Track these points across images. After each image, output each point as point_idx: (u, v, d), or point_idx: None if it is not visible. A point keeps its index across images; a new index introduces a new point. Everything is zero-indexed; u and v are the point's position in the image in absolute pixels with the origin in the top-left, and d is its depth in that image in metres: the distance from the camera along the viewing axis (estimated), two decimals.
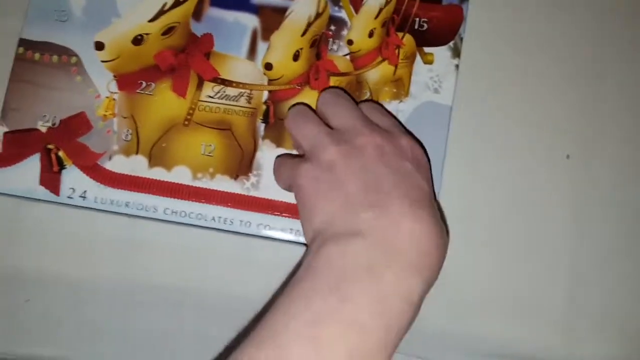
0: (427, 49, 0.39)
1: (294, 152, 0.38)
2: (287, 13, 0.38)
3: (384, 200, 0.29)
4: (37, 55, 0.37)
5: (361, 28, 0.39)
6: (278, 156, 0.37)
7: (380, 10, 0.39)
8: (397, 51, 0.39)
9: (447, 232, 0.32)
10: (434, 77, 0.39)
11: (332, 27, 0.39)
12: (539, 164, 0.41)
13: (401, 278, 0.28)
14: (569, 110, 0.41)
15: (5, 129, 0.37)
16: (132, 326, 0.38)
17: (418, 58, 0.39)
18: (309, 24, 0.38)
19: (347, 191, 0.30)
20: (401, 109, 0.39)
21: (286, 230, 0.37)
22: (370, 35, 0.39)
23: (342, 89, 0.38)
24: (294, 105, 0.37)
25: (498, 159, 0.40)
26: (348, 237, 0.29)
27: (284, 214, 0.37)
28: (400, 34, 0.39)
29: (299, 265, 0.30)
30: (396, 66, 0.39)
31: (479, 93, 0.41)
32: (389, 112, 0.37)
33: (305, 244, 0.37)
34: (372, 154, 0.31)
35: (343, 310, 0.27)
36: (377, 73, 0.39)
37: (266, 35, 0.38)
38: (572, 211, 0.40)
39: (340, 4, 0.39)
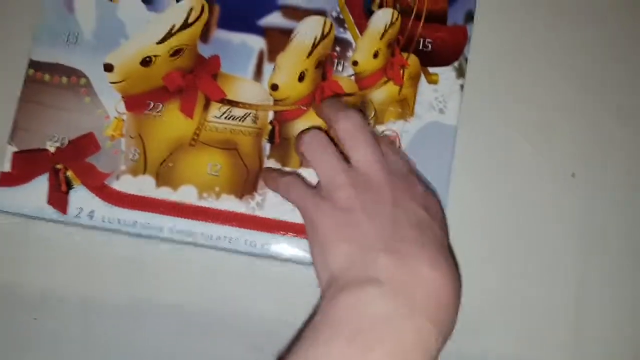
0: (431, 69, 0.40)
1: (299, 171, 0.38)
2: (293, 35, 0.39)
3: (401, 247, 0.29)
4: (47, 77, 0.38)
5: (366, 49, 0.39)
6: (288, 173, 0.37)
7: (385, 31, 0.40)
8: (401, 71, 0.39)
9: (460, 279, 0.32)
10: (438, 97, 0.39)
11: (337, 49, 0.39)
12: (544, 182, 0.41)
13: (421, 331, 0.28)
14: (574, 129, 0.41)
15: (15, 149, 0.37)
16: (138, 344, 0.38)
17: (423, 78, 0.40)
18: (315, 46, 0.39)
19: (364, 235, 0.30)
20: (406, 129, 0.39)
21: (291, 249, 0.37)
22: (375, 56, 0.39)
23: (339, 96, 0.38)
24: (308, 129, 0.36)
25: (503, 178, 0.40)
26: (366, 285, 0.28)
27: (288, 233, 0.37)
28: (405, 55, 0.40)
29: (314, 311, 0.30)
30: (401, 86, 0.39)
31: (484, 113, 0.41)
32: (405, 155, 0.37)
33: (310, 263, 0.37)
34: (390, 201, 0.31)
35: None
36: (382, 93, 0.39)
37: (272, 57, 0.39)
38: (577, 229, 0.40)
39: (346, 25, 0.39)
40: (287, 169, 0.38)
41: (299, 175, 0.37)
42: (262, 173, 0.37)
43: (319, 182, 0.34)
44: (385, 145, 0.35)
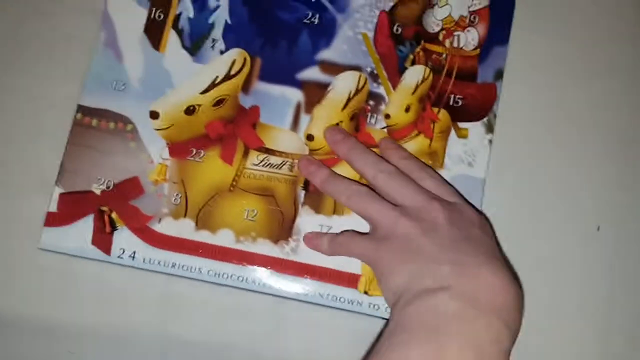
0: (461, 124, 0.41)
1: (333, 218, 0.39)
2: (329, 88, 0.41)
3: (461, 258, 0.32)
4: (94, 122, 0.40)
5: (398, 103, 0.41)
6: (344, 231, 0.39)
7: (417, 86, 0.41)
8: (432, 125, 0.41)
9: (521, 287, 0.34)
10: (467, 150, 0.41)
11: (371, 102, 0.41)
12: (570, 235, 0.42)
13: (491, 326, 0.30)
14: (600, 183, 0.42)
15: (62, 190, 0.39)
16: None
17: (453, 132, 0.41)
18: (349, 99, 0.41)
19: (424, 252, 0.33)
20: None
21: (323, 295, 0.38)
22: (407, 110, 0.41)
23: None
24: (350, 184, 0.38)
25: (529, 231, 0.42)
26: (433, 292, 0.31)
27: (322, 279, 0.38)
28: (435, 109, 0.41)
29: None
30: (431, 139, 0.41)
31: (512, 167, 0.42)
32: (451, 186, 0.39)
33: (344, 309, 0.38)
34: (444, 223, 0.34)
35: (444, 356, 0.28)
36: (413, 145, 0.41)
37: (309, 109, 0.41)
38: (603, 283, 0.41)
39: (379, 80, 0.41)
40: (321, 216, 0.40)
41: (350, 231, 0.39)
42: (309, 239, 0.39)
43: (371, 229, 0.37)
44: (434, 182, 0.37)
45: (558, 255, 0.41)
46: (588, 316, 0.41)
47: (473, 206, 0.37)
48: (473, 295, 0.30)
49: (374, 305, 0.38)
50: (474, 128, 0.41)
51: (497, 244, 0.36)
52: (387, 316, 0.38)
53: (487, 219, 0.37)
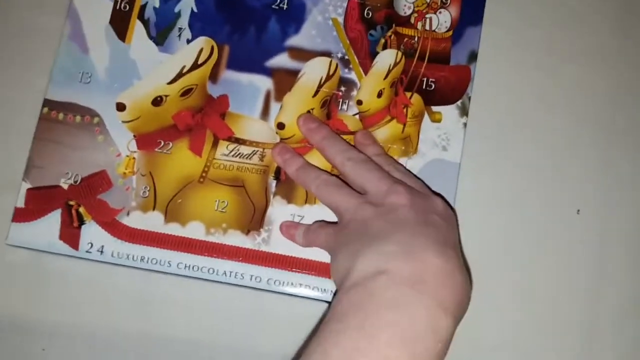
0: (435, 108, 0.41)
1: (304, 208, 0.39)
2: (300, 75, 0.40)
3: (410, 239, 0.31)
4: (61, 115, 0.39)
5: (370, 88, 0.40)
6: (315, 222, 0.38)
7: (389, 71, 0.41)
8: (405, 110, 0.40)
9: (471, 281, 0.32)
10: (442, 135, 0.40)
11: (342, 88, 0.40)
12: (548, 219, 0.41)
13: (430, 313, 0.29)
14: (579, 165, 0.42)
15: (29, 186, 0.38)
16: None
17: (426, 116, 0.40)
18: (320, 85, 0.40)
19: (374, 232, 0.32)
20: (410, 166, 0.40)
21: (295, 285, 0.38)
22: (379, 95, 0.40)
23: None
24: (320, 173, 0.37)
25: (507, 216, 0.41)
26: (372, 276, 0.29)
27: (293, 269, 0.38)
28: (408, 94, 0.41)
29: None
30: (404, 124, 0.40)
31: (487, 151, 0.41)
32: (419, 178, 0.38)
33: (317, 299, 0.38)
34: (404, 205, 0.33)
35: (372, 347, 0.27)
36: (386, 131, 0.40)
37: (279, 96, 0.40)
38: (583, 267, 0.40)
39: (350, 66, 0.41)
40: (292, 206, 0.39)
41: (321, 221, 0.38)
42: (286, 228, 0.39)
43: (338, 218, 0.36)
44: (400, 172, 0.37)
45: (537, 239, 0.41)
46: (569, 299, 0.40)
47: (444, 199, 0.36)
48: (415, 279, 0.29)
49: None
50: (448, 111, 0.41)
51: (459, 238, 0.35)
52: None
53: (454, 212, 0.36)
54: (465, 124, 0.41)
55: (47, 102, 0.39)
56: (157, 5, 0.41)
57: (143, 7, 0.40)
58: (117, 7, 0.40)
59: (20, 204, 0.38)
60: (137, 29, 0.40)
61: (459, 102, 0.41)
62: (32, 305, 0.39)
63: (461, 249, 0.37)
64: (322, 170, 0.38)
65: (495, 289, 0.40)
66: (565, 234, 0.41)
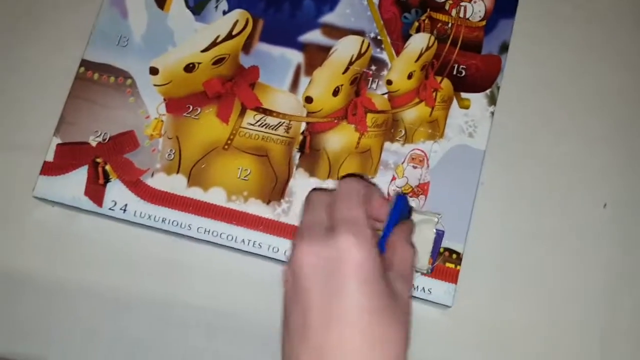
0: (464, 95, 0.41)
1: (326, 181, 0.39)
2: (331, 51, 0.40)
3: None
4: (96, 75, 0.40)
5: (401, 70, 0.40)
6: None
7: (421, 54, 0.41)
8: (434, 94, 0.40)
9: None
10: (469, 121, 0.40)
11: (373, 67, 0.41)
12: (574, 212, 0.40)
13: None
14: (606, 160, 0.41)
15: (59, 141, 0.39)
16: (165, 342, 0.38)
17: (455, 102, 0.40)
18: (351, 63, 0.40)
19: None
20: (435, 149, 0.40)
21: None
22: (409, 77, 0.40)
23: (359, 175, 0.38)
24: (314, 190, 0.34)
25: (530, 206, 0.40)
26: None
27: None
28: (438, 78, 0.41)
29: None
30: (432, 108, 0.40)
31: (513, 140, 0.41)
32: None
33: None
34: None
35: None
36: (413, 113, 0.40)
37: (309, 71, 0.40)
38: (608, 261, 0.40)
39: (382, 46, 0.41)
40: (314, 179, 0.39)
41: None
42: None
43: None
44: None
45: (561, 232, 0.40)
46: (592, 292, 0.39)
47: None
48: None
49: None
50: (477, 99, 0.41)
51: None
52: None
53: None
54: (492, 113, 0.40)
55: (83, 62, 0.40)
56: None
57: None
58: None
59: (50, 158, 0.39)
60: None
61: (487, 91, 0.41)
62: (54, 262, 0.39)
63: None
64: None
65: (516, 282, 0.39)
66: (590, 228, 0.40)
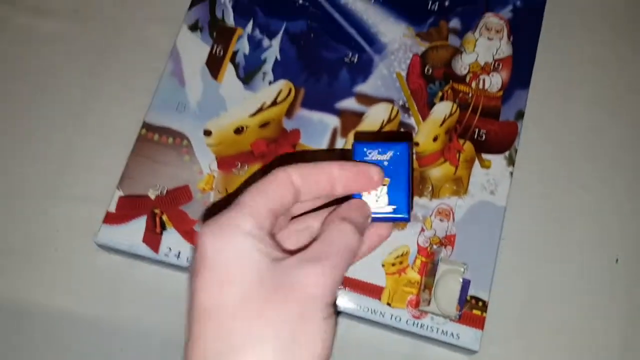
0: (485, 156, 0.45)
1: None
2: (364, 117, 0.45)
3: None
4: (156, 137, 0.45)
5: (427, 133, 0.45)
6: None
7: (445, 119, 0.46)
8: (457, 155, 0.45)
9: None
10: (490, 180, 0.44)
11: (402, 130, 0.45)
12: (588, 267, 0.43)
13: None
14: (619, 216, 0.44)
15: (121, 193, 0.44)
16: None
17: (477, 162, 0.45)
18: (382, 127, 0.45)
19: None
20: (459, 204, 0.43)
21: (346, 302, 0.41)
22: (435, 139, 0.45)
23: None
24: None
25: (548, 262, 0.44)
26: None
27: (349, 289, 0.41)
28: (461, 141, 0.45)
29: None
30: (456, 167, 0.44)
31: (531, 198, 0.45)
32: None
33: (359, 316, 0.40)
34: None
35: None
36: (439, 171, 0.44)
37: (345, 133, 0.45)
38: (622, 316, 0.42)
39: (410, 112, 0.46)
40: None
41: None
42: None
43: None
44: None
45: (576, 287, 0.43)
46: (607, 347, 0.41)
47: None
48: None
49: (396, 317, 0.41)
50: (497, 160, 0.45)
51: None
52: (408, 328, 0.40)
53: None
54: (511, 173, 0.45)
55: (145, 125, 0.46)
56: (247, 52, 0.47)
57: (235, 53, 0.47)
58: (213, 52, 0.47)
59: (112, 209, 0.43)
60: (228, 71, 0.47)
61: (506, 153, 0.45)
62: (111, 306, 0.43)
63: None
64: None
65: (539, 330, 0.42)
66: (603, 283, 0.43)
